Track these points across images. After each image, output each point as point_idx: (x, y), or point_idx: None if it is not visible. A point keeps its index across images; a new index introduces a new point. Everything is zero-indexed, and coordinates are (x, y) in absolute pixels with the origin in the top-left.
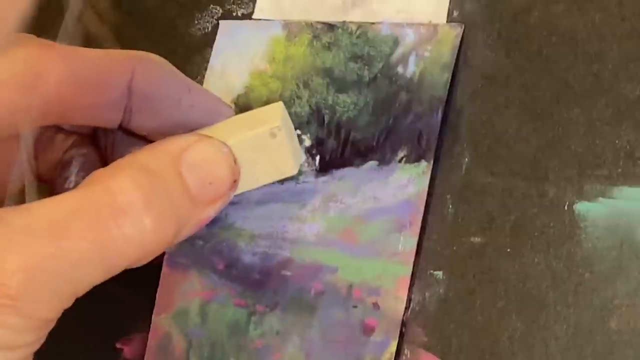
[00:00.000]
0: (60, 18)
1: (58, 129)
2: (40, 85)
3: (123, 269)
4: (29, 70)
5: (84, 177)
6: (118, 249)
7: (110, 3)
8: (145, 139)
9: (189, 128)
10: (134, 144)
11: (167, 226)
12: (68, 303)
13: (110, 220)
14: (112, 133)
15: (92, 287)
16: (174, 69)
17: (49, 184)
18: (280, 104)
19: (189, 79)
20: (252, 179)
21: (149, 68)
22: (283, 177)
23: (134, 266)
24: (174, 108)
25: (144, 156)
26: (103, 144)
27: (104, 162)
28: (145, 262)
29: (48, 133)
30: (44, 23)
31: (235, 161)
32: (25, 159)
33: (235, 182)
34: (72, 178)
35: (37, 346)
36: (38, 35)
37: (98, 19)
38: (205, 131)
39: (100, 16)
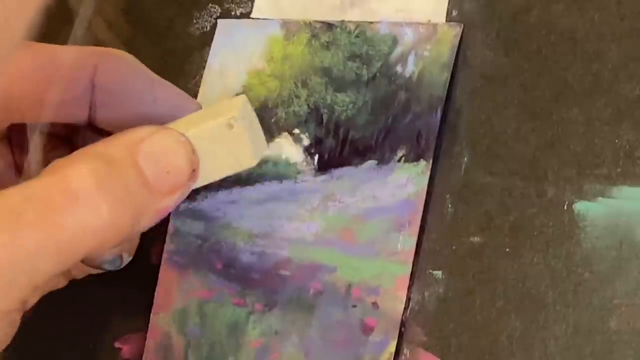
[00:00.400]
0: (69, 26)
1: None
2: (4, 82)
3: (81, 257)
4: None
5: None
6: (73, 237)
7: (110, 3)
8: None
9: (153, 123)
10: None
11: (123, 213)
12: (26, 293)
13: (63, 207)
14: (86, 133)
15: (50, 276)
16: (139, 63)
17: None
18: (243, 96)
19: (153, 74)
20: (212, 171)
21: (112, 63)
22: (242, 169)
23: (93, 255)
24: (137, 102)
25: (102, 146)
26: (79, 144)
27: None
28: (105, 250)
29: (23, 137)
30: (52, 30)
31: (193, 151)
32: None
33: (194, 171)
34: None
35: (0, 336)
36: (48, 42)
37: (106, 25)
38: (169, 125)
39: (108, 22)
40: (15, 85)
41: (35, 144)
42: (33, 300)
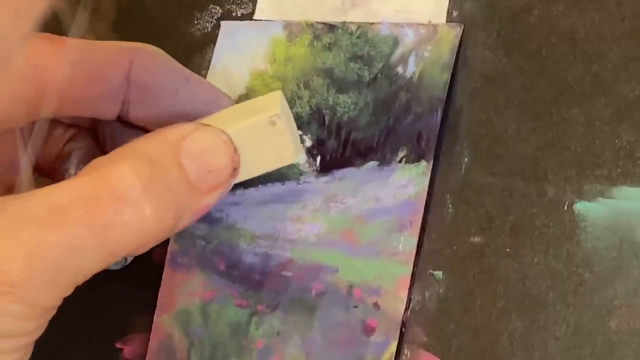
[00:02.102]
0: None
1: (57, 122)
2: (39, 78)
3: (123, 257)
4: (30, 62)
5: None
6: (117, 236)
7: (110, 3)
8: (143, 131)
9: (187, 118)
10: (133, 136)
11: (166, 213)
12: (68, 291)
13: (109, 207)
14: (111, 125)
15: (92, 274)
16: (172, 59)
17: (49, 177)
18: (279, 92)
19: (186, 69)
20: (252, 167)
21: (147, 59)
22: (284, 164)
23: (135, 254)
24: (171, 98)
25: (143, 144)
26: (102, 136)
27: (103, 154)
28: (145, 250)
29: (47, 126)
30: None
31: (235, 149)
32: (24, 151)
33: (235, 170)
34: (72, 171)
35: (37, 335)
36: None
37: (108, 26)
38: (205, 120)
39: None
40: (49, 80)
41: (28, 141)
42: None
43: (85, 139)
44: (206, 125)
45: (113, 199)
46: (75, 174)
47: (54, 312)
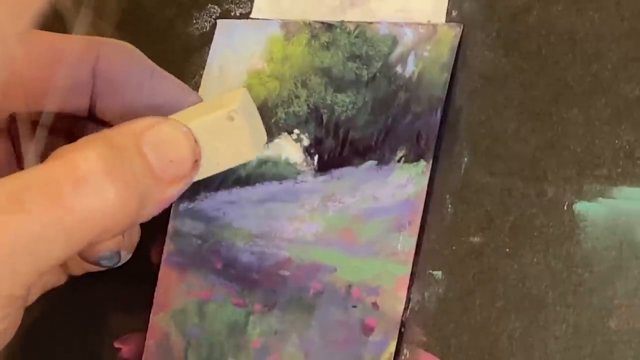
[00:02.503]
0: None
1: (35, 123)
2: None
3: (87, 243)
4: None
5: None
6: (80, 220)
7: (110, 3)
8: None
9: (153, 114)
10: None
11: (130, 198)
12: (31, 278)
13: (71, 190)
14: (88, 125)
15: (58, 261)
16: (141, 55)
17: None
18: (244, 89)
19: (154, 65)
20: (213, 164)
21: (114, 53)
22: (243, 161)
23: (100, 240)
24: (137, 93)
25: (107, 133)
26: (78, 136)
27: None
28: (110, 236)
29: (52, 117)
30: None
31: (196, 142)
32: (29, 143)
33: (196, 162)
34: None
35: (4, 325)
36: None
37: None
38: (170, 117)
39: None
40: (17, 72)
41: (31, 134)
42: (34, 296)
43: (65, 140)
44: (168, 118)
45: (74, 182)
46: None
47: (21, 301)
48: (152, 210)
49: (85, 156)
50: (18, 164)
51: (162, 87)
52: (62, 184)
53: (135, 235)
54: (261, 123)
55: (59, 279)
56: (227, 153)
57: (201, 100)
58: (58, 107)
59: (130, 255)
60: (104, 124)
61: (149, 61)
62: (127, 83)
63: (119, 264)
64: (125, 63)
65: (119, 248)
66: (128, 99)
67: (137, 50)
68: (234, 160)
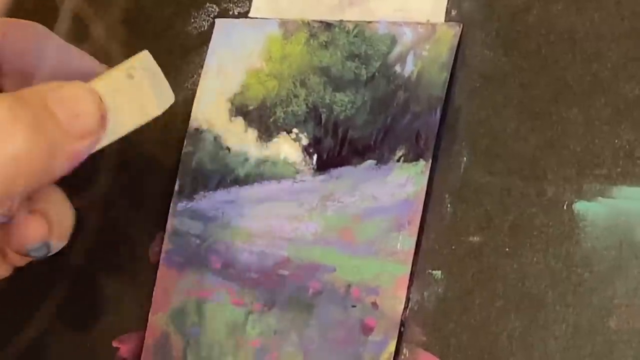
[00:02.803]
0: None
1: None
2: None
3: (3, 192)
4: None
5: None
6: None
7: (109, 2)
8: None
9: None
10: None
11: (38, 143)
12: None
13: None
14: None
15: None
16: (48, 32)
17: None
18: (146, 52)
19: (62, 41)
20: (121, 123)
21: (20, 30)
22: (148, 119)
23: (11, 192)
24: (45, 68)
25: (16, 92)
26: None
27: None
28: (23, 187)
29: None
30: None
31: (100, 99)
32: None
33: (102, 117)
34: None
35: None
36: None
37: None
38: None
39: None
40: None
41: None
42: None
43: None
44: (72, 81)
45: None
46: None
47: None
48: (63, 162)
49: None
50: None
51: (71, 62)
52: None
53: (66, 221)
54: (166, 82)
55: (6, 270)
56: (131, 111)
57: (105, 69)
58: None
59: (63, 244)
60: None
61: (58, 38)
62: (33, 59)
63: (50, 254)
64: (32, 40)
65: (47, 239)
66: (35, 75)
67: (46, 29)
68: (140, 118)
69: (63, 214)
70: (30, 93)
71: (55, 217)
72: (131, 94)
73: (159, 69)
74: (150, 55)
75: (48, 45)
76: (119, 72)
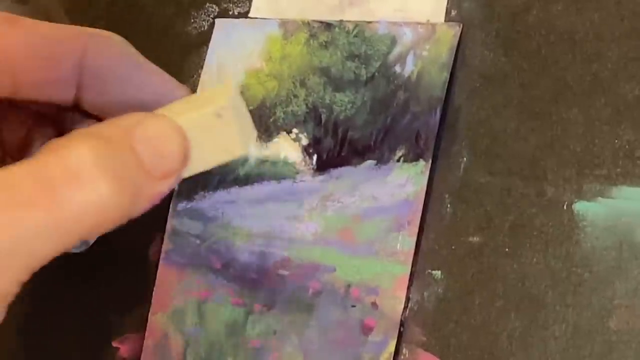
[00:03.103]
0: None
1: (19, 108)
2: None
3: (80, 239)
4: None
5: None
6: (73, 215)
7: (108, 2)
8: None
9: (140, 107)
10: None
11: (122, 193)
12: (24, 276)
13: (63, 185)
14: (73, 115)
15: (50, 257)
16: (129, 46)
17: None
18: (232, 83)
19: (142, 57)
20: (201, 160)
21: (101, 44)
22: (231, 158)
23: (93, 236)
24: (125, 86)
25: (98, 127)
26: (65, 126)
27: None
28: (103, 230)
29: (8, 113)
30: None
31: (185, 137)
32: None
33: (186, 157)
34: None
35: None
36: None
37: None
38: (158, 111)
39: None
40: (8, 61)
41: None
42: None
43: (49, 127)
44: (157, 113)
45: (67, 176)
46: None
47: (10, 298)
48: (143, 205)
49: (76, 150)
50: (0, 150)
51: (150, 81)
52: (56, 179)
53: None
54: (250, 119)
55: None
56: (215, 149)
57: (189, 93)
58: (41, 97)
59: (94, 240)
60: (90, 114)
61: (138, 53)
62: (114, 76)
63: (87, 248)
64: (114, 56)
65: None
66: (115, 92)
67: (126, 42)
68: (222, 156)
69: None
70: (115, 131)
71: None
72: (216, 133)
73: (244, 105)
74: (239, 92)
75: (128, 60)
76: (207, 111)
